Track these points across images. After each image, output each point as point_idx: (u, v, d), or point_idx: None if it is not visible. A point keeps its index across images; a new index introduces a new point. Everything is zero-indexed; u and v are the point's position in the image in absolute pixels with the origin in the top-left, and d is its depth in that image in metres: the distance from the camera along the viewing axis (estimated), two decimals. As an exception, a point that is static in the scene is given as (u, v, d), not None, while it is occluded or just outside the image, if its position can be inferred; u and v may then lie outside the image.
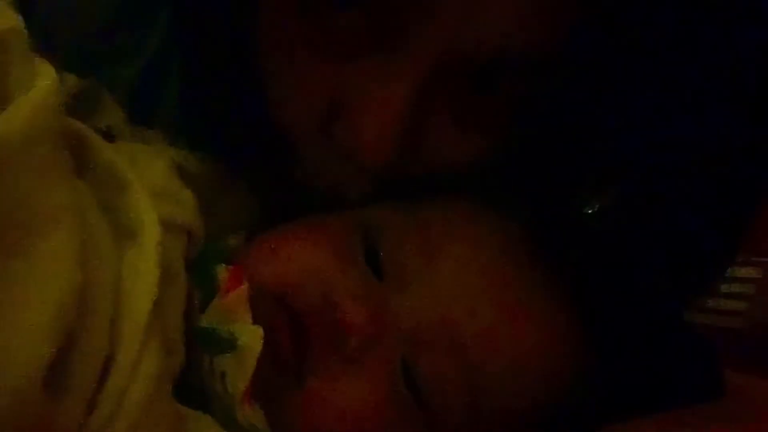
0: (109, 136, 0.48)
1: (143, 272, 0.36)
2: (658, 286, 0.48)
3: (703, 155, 0.45)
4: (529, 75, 0.45)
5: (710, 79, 0.43)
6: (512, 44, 0.42)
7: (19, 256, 0.30)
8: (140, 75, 0.53)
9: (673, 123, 0.45)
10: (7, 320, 0.30)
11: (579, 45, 0.43)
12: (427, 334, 0.44)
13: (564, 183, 0.51)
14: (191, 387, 0.41)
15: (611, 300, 0.48)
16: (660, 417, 0.44)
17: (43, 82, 0.34)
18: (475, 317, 0.44)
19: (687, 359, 0.48)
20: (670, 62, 0.43)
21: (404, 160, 0.46)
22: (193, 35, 0.50)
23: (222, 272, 0.45)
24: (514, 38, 0.42)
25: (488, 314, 0.45)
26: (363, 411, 0.43)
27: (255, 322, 0.42)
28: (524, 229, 0.48)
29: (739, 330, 0.58)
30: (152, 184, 0.43)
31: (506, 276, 0.46)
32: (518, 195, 0.50)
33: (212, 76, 0.50)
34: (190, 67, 0.52)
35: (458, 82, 0.45)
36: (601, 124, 0.47)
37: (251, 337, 0.41)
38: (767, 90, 0.43)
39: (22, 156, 0.31)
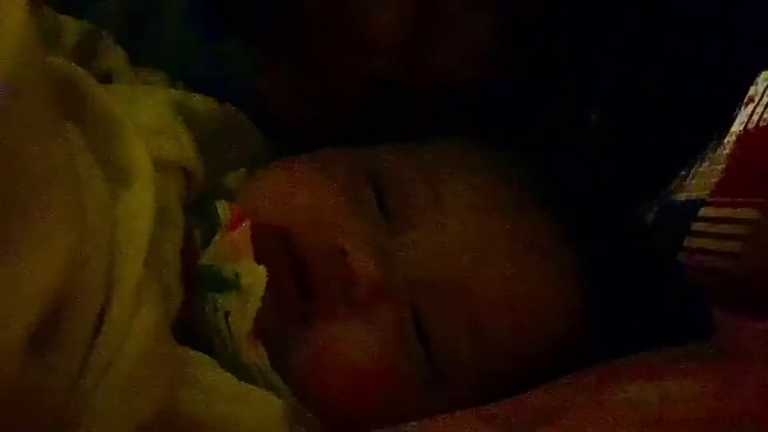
0: (106, 78, 0.47)
1: (138, 218, 0.35)
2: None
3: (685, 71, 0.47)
4: None
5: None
6: None
7: (13, 221, 0.28)
8: (126, 12, 0.52)
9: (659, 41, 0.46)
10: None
11: None
12: (435, 280, 0.43)
13: (559, 108, 0.52)
14: (191, 328, 0.41)
15: (608, 238, 0.48)
16: (649, 355, 0.45)
17: (8, 21, 0.28)
18: (483, 264, 0.44)
19: (677, 299, 0.49)
20: None
21: (413, 45, 0.46)
22: None
23: (224, 209, 0.44)
24: None
25: (496, 262, 0.45)
26: (371, 357, 0.42)
27: (258, 261, 0.41)
28: (527, 173, 0.48)
29: (732, 271, 0.59)
30: (149, 124, 0.42)
31: (512, 223, 0.46)
32: (516, 134, 0.51)
33: None
34: None
35: None
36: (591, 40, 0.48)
37: (255, 276, 0.40)
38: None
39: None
